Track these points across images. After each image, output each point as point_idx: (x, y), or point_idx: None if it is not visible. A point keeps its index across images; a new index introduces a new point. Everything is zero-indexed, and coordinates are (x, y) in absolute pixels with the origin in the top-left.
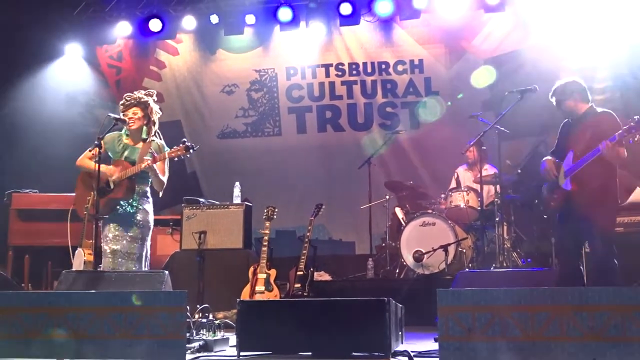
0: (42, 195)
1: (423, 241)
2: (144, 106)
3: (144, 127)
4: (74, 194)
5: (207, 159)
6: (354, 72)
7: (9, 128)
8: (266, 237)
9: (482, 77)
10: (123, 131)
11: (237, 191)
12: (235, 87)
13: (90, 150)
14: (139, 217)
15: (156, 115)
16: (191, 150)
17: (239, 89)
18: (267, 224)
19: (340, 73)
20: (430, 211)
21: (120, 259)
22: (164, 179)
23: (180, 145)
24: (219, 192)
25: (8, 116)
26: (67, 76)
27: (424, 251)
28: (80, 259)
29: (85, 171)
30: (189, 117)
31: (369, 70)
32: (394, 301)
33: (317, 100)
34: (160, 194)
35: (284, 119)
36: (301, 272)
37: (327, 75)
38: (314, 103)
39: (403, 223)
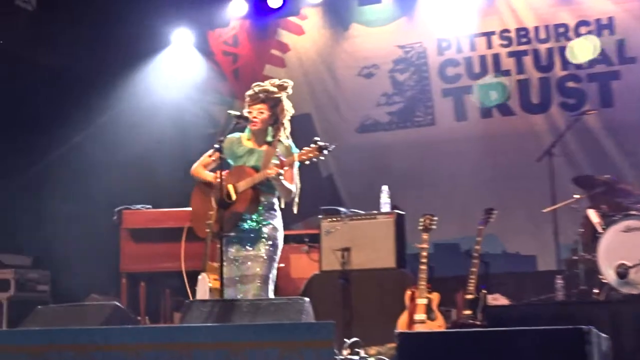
0: (155, 211)
1: (628, 251)
2: (274, 103)
3: (270, 128)
4: (190, 209)
5: (345, 159)
6: (524, 39)
7: (111, 137)
8: (424, 253)
9: None
10: (246, 131)
11: (384, 197)
12: (375, 69)
13: (209, 156)
14: (265, 233)
15: (287, 116)
16: (325, 151)
17: (379, 71)
18: (425, 237)
19: (505, 42)
20: (634, 212)
21: (245, 284)
22: (293, 187)
23: (312, 145)
24: (362, 199)
25: (109, 124)
26: (175, 69)
27: (630, 264)
28: (205, 285)
29: (200, 182)
30: (321, 109)
31: (543, 36)
32: (595, 330)
33: (478, 78)
34: (295, 210)
35: (437, 104)
36: (470, 296)
37: (489, 46)
38: (474, 82)
39: (599, 229)
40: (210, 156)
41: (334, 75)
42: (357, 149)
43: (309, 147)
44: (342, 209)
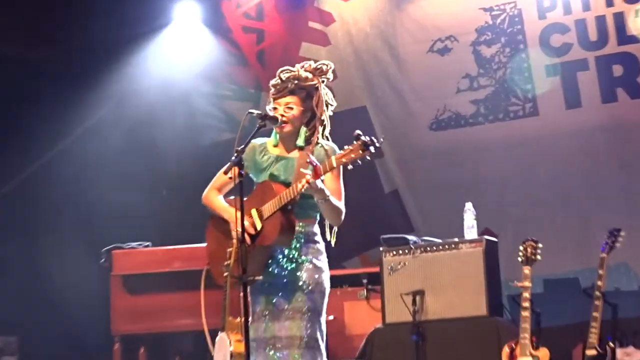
0: (156, 250)
1: None
2: (307, 94)
3: (303, 128)
4: (204, 245)
5: (415, 167)
6: None
7: (96, 147)
8: (527, 294)
9: None
10: (272, 135)
11: (469, 217)
12: (452, 42)
13: (225, 173)
14: (304, 275)
15: (327, 111)
16: (372, 148)
17: (458, 45)
18: (527, 271)
19: None
20: None
21: (280, 350)
22: (341, 205)
23: (355, 142)
24: (439, 222)
25: (93, 131)
26: (179, 55)
27: None
28: (225, 349)
29: (215, 214)
30: (380, 100)
31: None
32: None
33: (596, 49)
34: (333, 241)
35: (540, 87)
36: (593, 351)
37: (610, 3)
38: (591, 53)
39: None
40: (226, 173)
41: (396, 52)
42: (430, 152)
43: (351, 145)
44: (411, 238)
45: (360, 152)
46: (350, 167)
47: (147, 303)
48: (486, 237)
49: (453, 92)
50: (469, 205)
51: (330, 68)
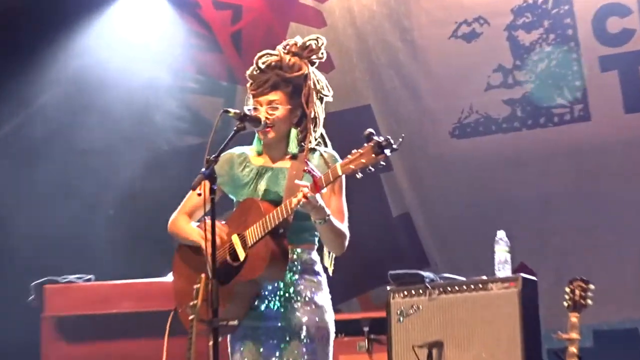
0: (100, 285)
1: None
2: (294, 87)
3: (293, 130)
4: (169, 280)
5: (431, 184)
6: None
7: (22, 153)
8: (574, 349)
9: None
10: (254, 142)
11: (502, 249)
12: (482, 25)
13: (193, 189)
14: (302, 319)
15: (320, 105)
16: (388, 151)
17: (489, 29)
18: (574, 319)
19: None
20: None
21: None
22: (344, 227)
23: (366, 145)
24: (462, 255)
25: (18, 133)
26: (129, 35)
27: None
28: None
29: (184, 243)
30: (389, 97)
31: None
32: None
33: None
34: (330, 269)
35: (592, 85)
36: None
37: None
38: None
39: None
40: (194, 189)
41: (410, 37)
42: (451, 166)
43: (362, 148)
44: (427, 274)
45: (373, 156)
46: (359, 175)
47: (87, 353)
48: (523, 274)
49: (482, 89)
50: (501, 234)
51: (323, 44)
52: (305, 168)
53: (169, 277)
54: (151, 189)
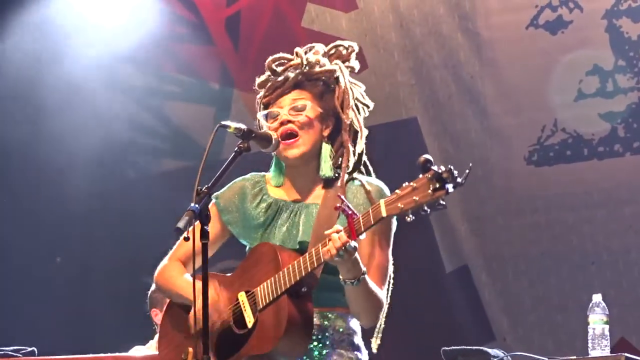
0: None
1: None
2: (325, 85)
3: (325, 146)
4: (152, 350)
5: (499, 227)
6: None
7: None
8: None
9: None
10: (272, 168)
11: (599, 319)
12: (572, 10)
13: (178, 233)
14: None
15: (359, 117)
16: (451, 187)
17: (582, 16)
18: None
19: None
20: None
21: None
22: (382, 293)
23: (421, 176)
24: (540, 325)
25: None
26: (90, 21)
27: None
28: None
29: (175, 301)
30: (443, 108)
31: None
32: None
33: None
34: (375, 345)
35: None
36: None
37: None
38: None
39: None
40: (181, 233)
41: (473, 27)
42: (527, 202)
43: (416, 180)
44: (493, 352)
45: (430, 192)
46: (409, 218)
47: None
48: (627, 355)
49: (570, 98)
50: (597, 298)
51: (353, 51)
52: (338, 205)
53: (136, 351)
54: (111, 233)
